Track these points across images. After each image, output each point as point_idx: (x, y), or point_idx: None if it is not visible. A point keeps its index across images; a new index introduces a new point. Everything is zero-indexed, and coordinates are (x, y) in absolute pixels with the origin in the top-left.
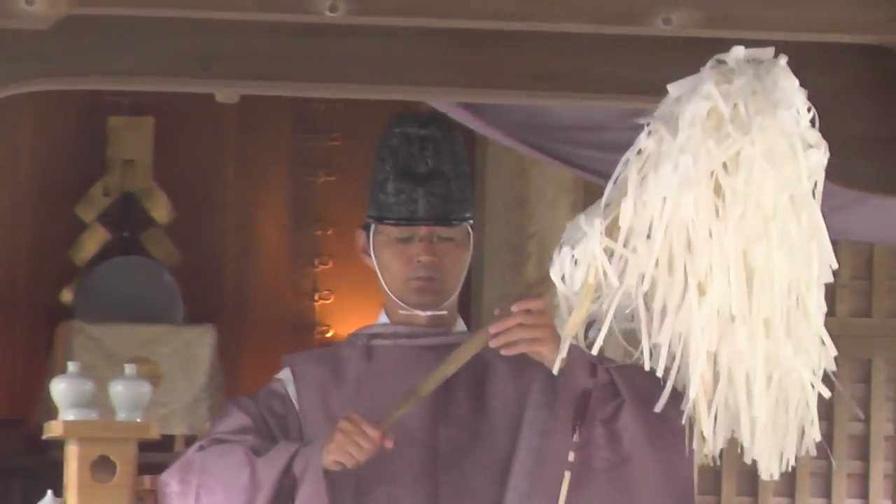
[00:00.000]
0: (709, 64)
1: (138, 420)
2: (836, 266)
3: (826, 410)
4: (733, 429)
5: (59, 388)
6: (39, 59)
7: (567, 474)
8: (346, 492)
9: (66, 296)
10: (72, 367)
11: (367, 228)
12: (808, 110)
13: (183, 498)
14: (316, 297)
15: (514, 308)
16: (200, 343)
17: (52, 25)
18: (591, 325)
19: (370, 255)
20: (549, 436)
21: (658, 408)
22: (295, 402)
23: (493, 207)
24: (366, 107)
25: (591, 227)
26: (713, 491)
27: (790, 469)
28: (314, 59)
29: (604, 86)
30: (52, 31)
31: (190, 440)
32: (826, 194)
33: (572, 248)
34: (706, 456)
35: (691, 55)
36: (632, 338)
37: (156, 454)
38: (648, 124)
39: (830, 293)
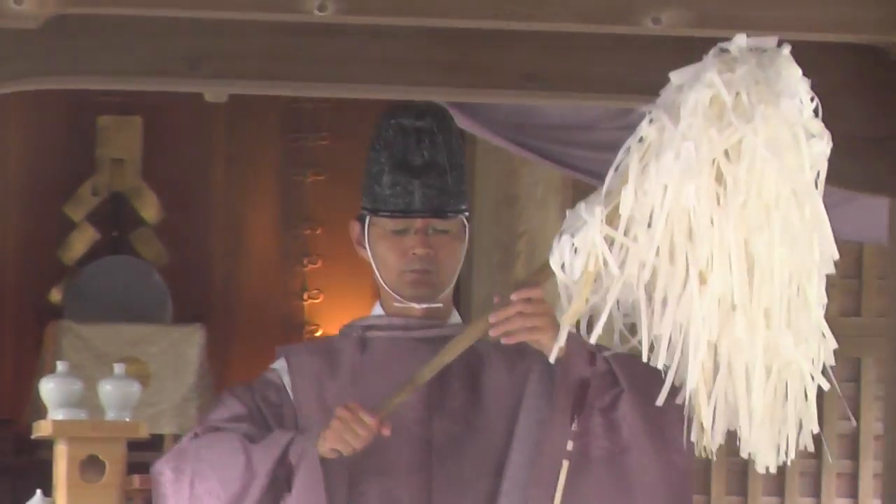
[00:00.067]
0: (711, 52)
1: (127, 420)
2: (837, 257)
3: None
4: (731, 421)
5: (48, 388)
6: (28, 58)
7: (565, 463)
8: (340, 483)
9: (55, 295)
10: (61, 366)
11: (361, 220)
12: (812, 100)
13: (177, 486)
14: (305, 296)
15: (513, 297)
16: (189, 343)
17: (40, 25)
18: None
19: (365, 247)
20: (548, 425)
21: (660, 401)
22: (290, 392)
23: (483, 206)
24: (355, 106)
25: (591, 215)
26: (703, 490)
27: (788, 463)
28: (303, 58)
29: (593, 85)
30: (41, 30)
31: (178, 440)
32: None
33: (572, 236)
34: (705, 448)
35: (681, 54)
36: (632, 330)
37: (145, 454)
38: (650, 112)
39: None
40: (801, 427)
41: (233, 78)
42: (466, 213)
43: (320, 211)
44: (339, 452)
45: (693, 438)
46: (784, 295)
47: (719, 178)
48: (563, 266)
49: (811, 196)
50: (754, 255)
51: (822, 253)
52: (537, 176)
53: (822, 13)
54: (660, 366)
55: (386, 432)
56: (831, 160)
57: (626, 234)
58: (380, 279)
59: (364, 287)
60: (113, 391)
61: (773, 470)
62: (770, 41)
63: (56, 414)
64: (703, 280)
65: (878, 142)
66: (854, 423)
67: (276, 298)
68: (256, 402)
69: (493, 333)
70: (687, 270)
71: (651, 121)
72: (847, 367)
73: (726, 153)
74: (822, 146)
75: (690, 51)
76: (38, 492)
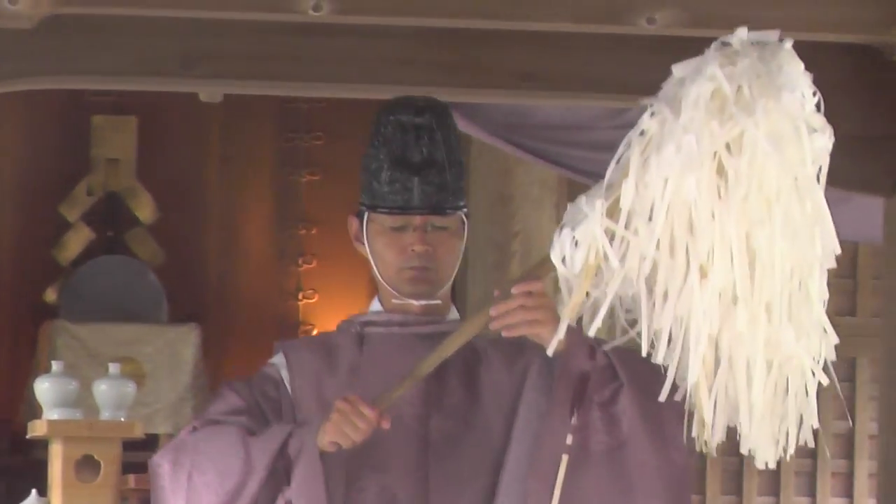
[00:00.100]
0: (713, 46)
1: (122, 419)
2: (838, 252)
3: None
4: (731, 417)
5: (43, 388)
6: (23, 58)
7: (564, 457)
8: (337, 480)
9: (50, 295)
10: (56, 366)
11: (359, 216)
12: (813, 94)
13: (175, 479)
14: (300, 296)
15: (514, 290)
16: (184, 342)
17: (35, 25)
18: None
19: (363, 243)
20: (547, 418)
21: (662, 397)
22: (288, 388)
23: (478, 206)
24: (350, 106)
25: (591, 208)
26: (698, 490)
27: (787, 459)
28: (298, 58)
29: (588, 85)
30: (36, 30)
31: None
32: None
33: (573, 229)
34: (706, 443)
35: (675, 54)
36: (635, 326)
37: (140, 453)
38: (651, 105)
39: None
40: (801, 423)
41: (228, 78)
42: (465, 210)
43: (315, 211)
44: (339, 445)
45: (694, 434)
46: (785, 289)
47: (720, 171)
48: (563, 259)
49: (813, 190)
50: (755, 248)
51: (824, 247)
52: (532, 176)
53: (817, 13)
54: (660, 360)
55: (386, 425)
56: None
57: (626, 227)
58: (378, 275)
59: (359, 287)
60: (108, 391)
61: (772, 465)
62: (772, 35)
63: (51, 414)
64: (703, 274)
65: (874, 141)
66: (850, 422)
67: (272, 298)
68: (255, 396)
69: (493, 326)
70: (688, 264)
71: (652, 114)
72: (842, 367)
73: (727, 146)
74: (824, 141)
75: (685, 51)
76: (34, 492)
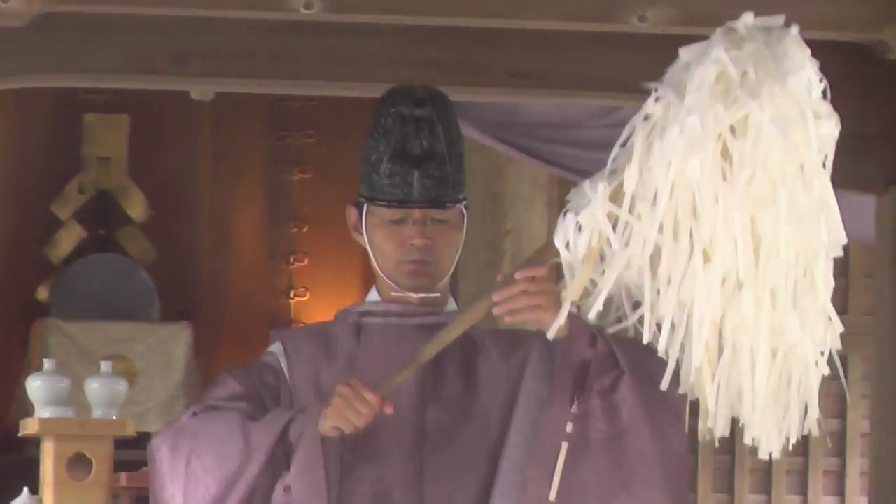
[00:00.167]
0: (719, 30)
1: (114, 417)
2: (845, 241)
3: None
4: (734, 406)
5: (35, 386)
6: (15, 56)
7: (564, 445)
8: (333, 470)
9: (42, 293)
10: (47, 364)
11: (358, 206)
12: (820, 81)
13: (173, 463)
14: (291, 294)
15: (517, 275)
16: (176, 340)
17: (27, 23)
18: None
19: (361, 234)
20: (547, 406)
21: (663, 384)
22: (287, 375)
23: (469, 204)
24: (341, 104)
25: (595, 193)
26: (689, 488)
27: (802, 440)
28: (289, 56)
29: (580, 83)
30: (28, 28)
31: None
32: None
33: (576, 214)
34: (710, 430)
35: (667, 53)
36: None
37: (131, 451)
38: (656, 90)
39: None
40: (805, 412)
41: (219, 76)
42: (465, 202)
43: (307, 209)
44: (341, 430)
45: (698, 423)
46: (790, 276)
47: (725, 154)
48: (567, 244)
49: (818, 175)
50: (760, 233)
51: (830, 235)
52: (524, 174)
53: (808, 11)
54: (661, 346)
55: (388, 410)
56: None
57: (630, 211)
58: (377, 267)
59: (351, 285)
60: (100, 389)
61: (776, 456)
62: (777, 19)
63: (43, 412)
64: (707, 258)
65: (866, 140)
66: (841, 421)
67: (263, 296)
68: (254, 383)
69: (496, 312)
70: (691, 248)
71: (657, 99)
72: (834, 365)
73: (732, 129)
74: (830, 128)
75: (676, 49)
76: (25, 490)
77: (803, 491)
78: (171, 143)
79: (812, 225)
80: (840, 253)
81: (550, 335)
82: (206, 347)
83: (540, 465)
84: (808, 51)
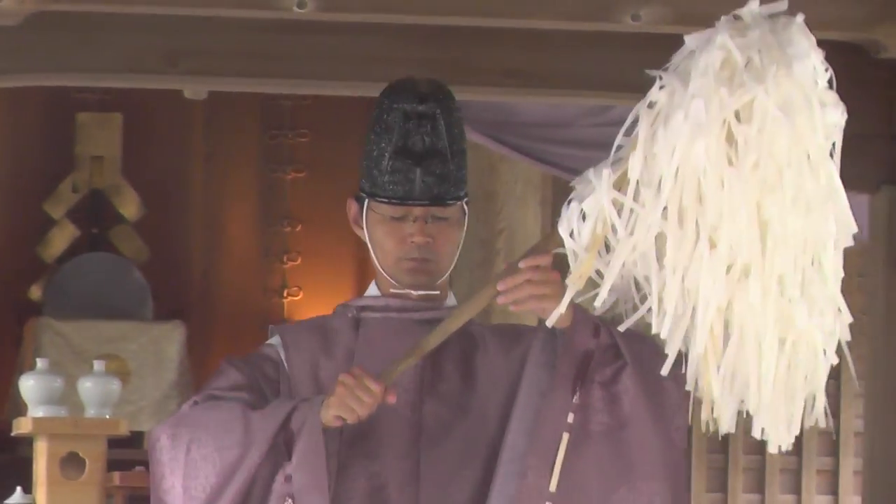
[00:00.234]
0: (724, 18)
1: (107, 417)
2: (855, 230)
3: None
4: (741, 394)
5: (28, 385)
6: (7, 55)
7: (565, 436)
8: (329, 468)
9: (35, 292)
10: (40, 363)
11: (359, 200)
12: (826, 70)
13: (173, 452)
14: (285, 293)
15: (521, 264)
16: (169, 339)
17: (20, 22)
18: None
19: (362, 228)
20: (549, 396)
21: (664, 370)
22: (286, 368)
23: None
24: (334, 103)
25: (599, 180)
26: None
27: (795, 439)
28: (282, 55)
29: (573, 82)
30: (21, 27)
31: None
32: None
33: (580, 202)
34: (714, 421)
35: (661, 51)
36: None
37: (125, 451)
38: (661, 77)
39: None
40: (813, 403)
41: (212, 75)
42: (466, 199)
43: (300, 208)
44: (343, 420)
45: (700, 416)
46: (798, 264)
47: (730, 139)
48: (571, 233)
49: (825, 162)
50: (767, 219)
51: (839, 224)
52: (516, 173)
53: (803, 10)
54: (664, 333)
55: (391, 399)
56: None
57: (635, 199)
58: (376, 263)
59: (344, 284)
60: (93, 388)
61: (785, 448)
62: (781, 5)
63: (36, 411)
64: (712, 244)
65: (859, 139)
66: (834, 420)
67: (256, 295)
68: (255, 373)
69: (501, 301)
70: (697, 234)
71: (662, 86)
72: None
73: (737, 115)
74: (837, 116)
75: (670, 48)
76: (19, 489)
77: (797, 490)
78: (164, 141)
79: (820, 213)
80: (851, 242)
81: (550, 323)
82: (199, 346)
83: (541, 455)
84: (813, 39)
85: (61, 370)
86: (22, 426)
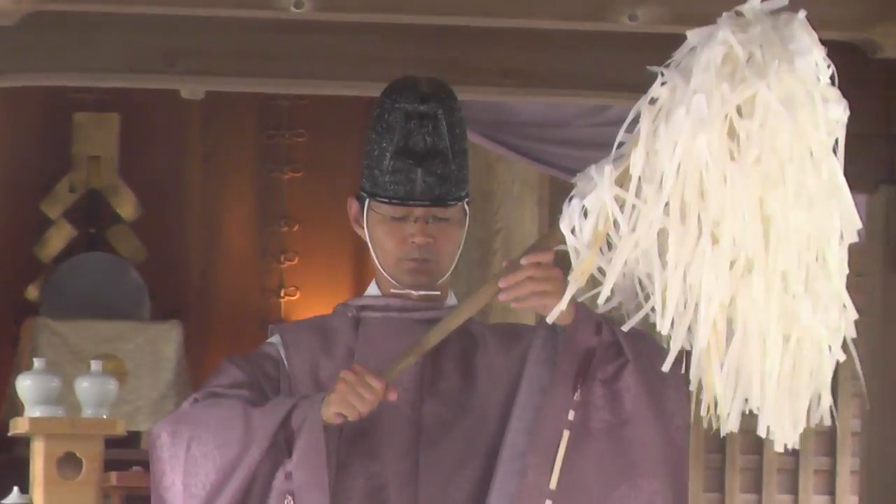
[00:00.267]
0: (725, 14)
1: (104, 417)
2: (860, 226)
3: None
4: (745, 391)
5: (25, 385)
6: (4, 55)
7: (566, 434)
8: (328, 467)
9: (32, 292)
10: (37, 363)
11: (359, 199)
12: (828, 67)
13: (173, 450)
14: (282, 293)
15: (523, 261)
16: (166, 339)
17: (16, 22)
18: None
19: (362, 227)
20: (550, 393)
21: (665, 366)
22: (287, 367)
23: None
24: (332, 103)
25: (601, 176)
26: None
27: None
28: (279, 55)
29: (571, 82)
30: (17, 27)
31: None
32: None
33: (582, 199)
34: (716, 418)
35: (658, 51)
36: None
37: (122, 451)
38: (662, 74)
39: None
40: (819, 401)
41: (209, 75)
42: (468, 199)
43: (297, 208)
44: (344, 417)
45: (703, 411)
46: (802, 259)
47: (731, 133)
48: (572, 230)
49: (828, 158)
50: (769, 215)
51: (843, 220)
52: (513, 173)
53: (799, 10)
54: (666, 330)
55: (392, 396)
56: None
57: (637, 196)
58: (377, 262)
59: (341, 284)
60: (90, 388)
61: (791, 446)
62: (780, 2)
63: (33, 411)
64: (715, 240)
65: (856, 139)
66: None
67: (253, 295)
68: (255, 371)
69: (502, 298)
70: (699, 230)
71: (663, 83)
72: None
73: (738, 110)
74: (839, 113)
75: (668, 47)
76: (16, 489)
77: (794, 490)
78: (161, 141)
79: (823, 209)
80: (856, 238)
81: (551, 319)
82: (197, 346)
83: (541, 453)
84: (815, 35)
85: (58, 370)
86: (19, 426)
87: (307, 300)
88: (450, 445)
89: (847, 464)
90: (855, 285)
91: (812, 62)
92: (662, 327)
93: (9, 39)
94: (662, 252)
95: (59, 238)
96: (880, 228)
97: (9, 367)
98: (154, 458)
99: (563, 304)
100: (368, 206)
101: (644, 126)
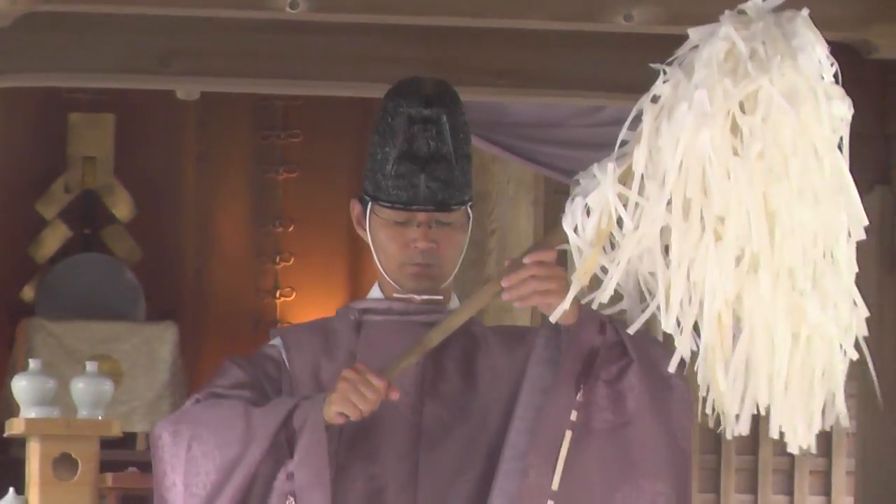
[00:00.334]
0: (728, 11)
1: (100, 417)
2: (866, 223)
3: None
4: (754, 392)
5: (20, 386)
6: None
7: (568, 434)
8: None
9: (27, 293)
10: (33, 364)
11: (363, 202)
12: (831, 65)
13: (174, 449)
14: (277, 293)
15: (526, 260)
16: (161, 340)
17: (11, 22)
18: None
19: (365, 230)
20: (552, 393)
21: (671, 367)
22: (289, 369)
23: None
24: (327, 103)
25: (603, 174)
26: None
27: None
28: (274, 55)
29: (565, 82)
30: (12, 28)
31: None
32: None
33: (584, 197)
34: (721, 417)
35: (652, 52)
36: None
37: (117, 451)
38: (664, 71)
39: None
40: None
41: (204, 75)
42: (470, 203)
43: (293, 208)
44: (346, 416)
45: (708, 411)
46: (809, 255)
47: (734, 129)
48: (575, 228)
49: (832, 154)
50: (774, 210)
51: (850, 217)
52: (508, 173)
53: (796, 10)
54: (670, 329)
55: (394, 396)
56: None
57: (640, 193)
58: (379, 266)
59: (337, 285)
60: (85, 389)
61: (805, 447)
62: (778, 1)
63: (28, 412)
64: (718, 236)
65: (852, 139)
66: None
67: (249, 296)
68: (257, 372)
69: (505, 297)
70: (703, 226)
71: (665, 80)
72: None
73: (741, 106)
74: (843, 110)
75: (662, 48)
76: (11, 490)
77: (789, 491)
78: (156, 142)
79: (829, 205)
80: (863, 235)
81: (554, 318)
82: (192, 347)
83: (543, 453)
84: (818, 32)
85: (54, 371)
86: (14, 427)
87: (302, 301)
88: (450, 448)
89: (843, 464)
90: None
91: (815, 59)
92: (667, 326)
93: (4, 40)
94: (666, 249)
95: (54, 238)
96: (875, 229)
97: (4, 368)
98: (156, 458)
99: (566, 303)
100: (371, 210)
101: (646, 123)
